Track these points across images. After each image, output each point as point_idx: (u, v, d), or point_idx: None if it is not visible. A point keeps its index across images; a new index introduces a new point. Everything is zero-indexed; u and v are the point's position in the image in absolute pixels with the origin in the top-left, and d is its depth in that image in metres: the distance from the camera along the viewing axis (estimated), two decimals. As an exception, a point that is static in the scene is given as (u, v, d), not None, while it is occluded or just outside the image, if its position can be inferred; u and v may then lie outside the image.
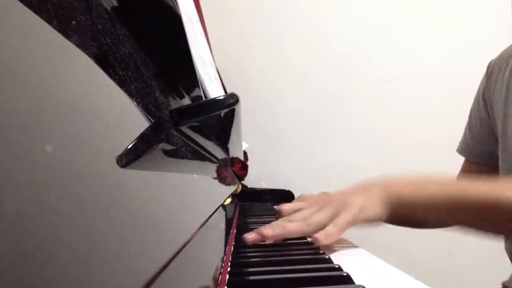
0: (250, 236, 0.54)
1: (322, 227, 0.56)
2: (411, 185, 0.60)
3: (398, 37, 1.75)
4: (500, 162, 0.87)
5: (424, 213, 0.60)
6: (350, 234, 0.67)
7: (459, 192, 0.57)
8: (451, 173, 1.05)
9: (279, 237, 0.55)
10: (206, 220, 0.38)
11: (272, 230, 0.54)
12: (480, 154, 0.94)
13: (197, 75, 0.52)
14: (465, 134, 0.99)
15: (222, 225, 0.55)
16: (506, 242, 0.87)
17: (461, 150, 0.99)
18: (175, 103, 0.41)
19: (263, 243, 0.56)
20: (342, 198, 0.59)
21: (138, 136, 0.24)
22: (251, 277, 0.39)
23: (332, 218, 0.56)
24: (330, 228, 0.55)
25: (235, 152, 0.96)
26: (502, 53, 0.91)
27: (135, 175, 0.23)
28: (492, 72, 0.90)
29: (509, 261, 0.86)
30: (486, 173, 0.95)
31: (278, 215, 0.62)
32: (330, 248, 0.60)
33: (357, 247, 0.61)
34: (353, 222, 0.56)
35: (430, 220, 0.63)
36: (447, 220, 0.63)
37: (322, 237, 0.53)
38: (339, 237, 0.56)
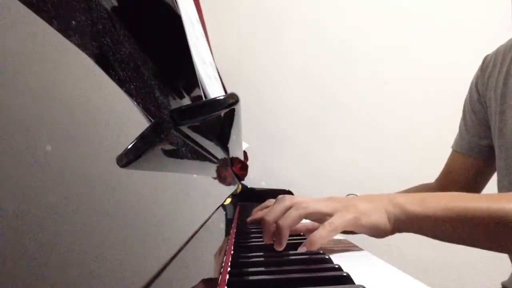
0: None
1: (319, 215, 0.54)
2: (415, 200, 0.58)
3: (398, 37, 1.75)
4: (496, 159, 0.86)
5: (427, 228, 0.58)
6: (350, 236, 0.67)
7: (461, 206, 0.56)
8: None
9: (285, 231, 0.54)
10: (206, 220, 0.38)
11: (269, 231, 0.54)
12: (478, 148, 0.93)
13: (197, 75, 0.52)
14: (460, 130, 0.99)
15: (222, 225, 0.55)
16: None
17: (458, 146, 0.98)
18: (175, 103, 0.41)
19: (263, 243, 0.56)
20: (348, 200, 0.58)
21: (138, 136, 0.24)
22: (251, 277, 0.39)
23: (332, 211, 0.54)
24: (324, 230, 0.52)
25: (235, 152, 0.96)
26: (498, 48, 0.91)
27: (135, 175, 0.23)
28: (487, 66, 0.90)
29: (509, 261, 0.86)
30: (482, 168, 0.94)
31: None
32: (332, 249, 0.60)
33: (362, 249, 0.61)
34: (354, 224, 0.54)
35: (433, 234, 0.61)
36: (452, 234, 0.61)
37: (312, 242, 0.51)
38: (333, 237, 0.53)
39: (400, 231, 0.57)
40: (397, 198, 0.58)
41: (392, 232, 0.57)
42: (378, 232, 0.56)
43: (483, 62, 0.93)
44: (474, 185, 0.96)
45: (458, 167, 0.97)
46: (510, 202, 0.53)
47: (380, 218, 0.56)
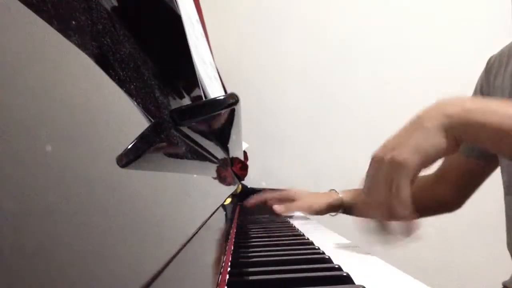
0: None
1: (383, 202, 0.50)
2: (475, 109, 0.52)
3: (398, 37, 1.75)
4: (500, 160, 0.86)
5: (491, 140, 0.52)
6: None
7: None
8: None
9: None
10: (206, 220, 0.38)
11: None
12: (478, 151, 0.93)
13: (197, 75, 0.52)
14: None
15: (222, 225, 0.55)
16: (508, 238, 0.86)
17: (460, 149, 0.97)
18: (175, 103, 0.41)
19: (263, 243, 0.56)
20: (390, 151, 0.52)
21: (138, 136, 0.24)
22: (251, 277, 0.39)
23: (388, 186, 0.50)
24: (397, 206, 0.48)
25: (235, 152, 0.96)
26: (503, 48, 0.90)
27: (135, 175, 0.23)
28: (492, 67, 0.89)
29: (510, 261, 0.85)
30: (479, 169, 0.94)
31: None
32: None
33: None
34: (419, 171, 0.49)
35: (497, 146, 0.53)
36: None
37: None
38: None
39: (461, 141, 0.52)
40: (448, 108, 0.52)
41: (455, 145, 0.52)
42: (442, 153, 0.51)
43: (487, 64, 0.92)
44: (469, 185, 0.96)
45: (456, 167, 0.97)
46: None
47: (434, 140, 0.50)
